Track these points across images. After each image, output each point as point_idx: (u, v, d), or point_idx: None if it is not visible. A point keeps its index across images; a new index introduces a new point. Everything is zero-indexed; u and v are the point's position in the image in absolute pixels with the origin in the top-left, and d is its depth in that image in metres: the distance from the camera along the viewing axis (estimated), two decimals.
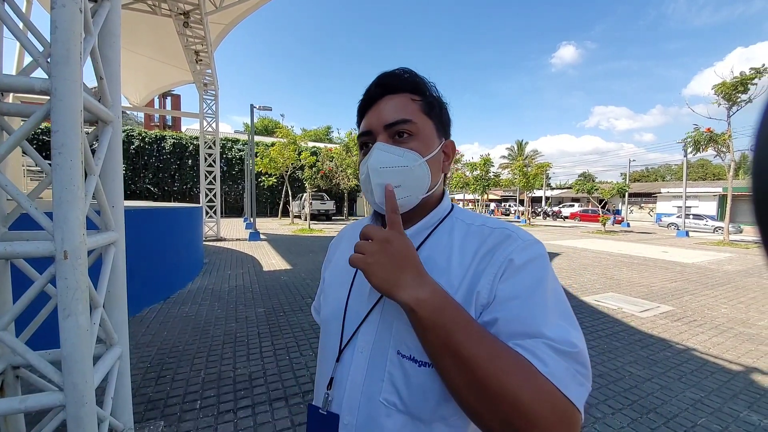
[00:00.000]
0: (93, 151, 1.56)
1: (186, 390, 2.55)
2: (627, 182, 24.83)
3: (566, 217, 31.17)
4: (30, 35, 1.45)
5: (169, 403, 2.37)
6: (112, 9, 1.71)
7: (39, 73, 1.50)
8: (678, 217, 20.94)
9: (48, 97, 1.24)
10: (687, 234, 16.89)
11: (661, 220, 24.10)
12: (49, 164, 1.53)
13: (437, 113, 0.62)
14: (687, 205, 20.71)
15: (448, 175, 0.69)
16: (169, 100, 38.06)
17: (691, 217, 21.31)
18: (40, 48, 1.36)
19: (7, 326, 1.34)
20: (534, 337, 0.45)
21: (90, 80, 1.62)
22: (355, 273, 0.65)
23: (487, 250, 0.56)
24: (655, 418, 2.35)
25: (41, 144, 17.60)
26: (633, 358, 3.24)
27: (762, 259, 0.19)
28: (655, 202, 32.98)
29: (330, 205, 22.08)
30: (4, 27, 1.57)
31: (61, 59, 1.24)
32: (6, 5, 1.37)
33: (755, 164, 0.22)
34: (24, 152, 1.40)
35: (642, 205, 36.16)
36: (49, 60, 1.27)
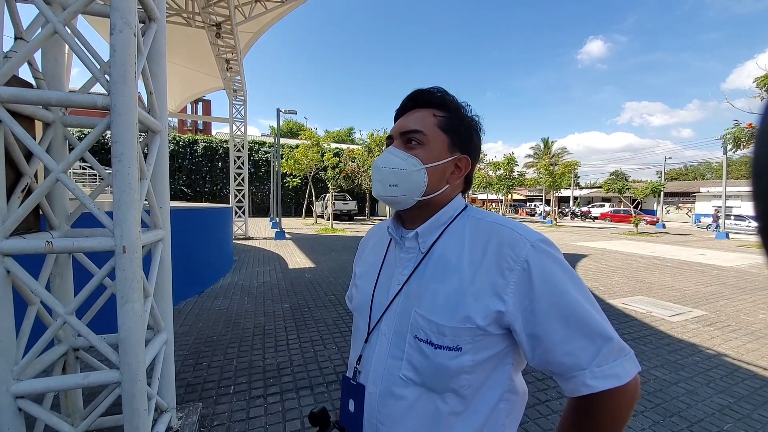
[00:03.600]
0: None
1: (220, 376, 2.75)
2: (662, 180, 23.61)
3: (596, 218, 30.04)
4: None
5: (205, 387, 2.58)
6: (158, 30, 1.90)
7: (95, 88, 1.71)
8: (753, 218, 19.70)
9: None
10: (727, 236, 15.91)
11: (699, 221, 22.80)
12: (107, 171, 1.74)
13: (456, 130, 0.69)
14: (728, 205, 19.49)
15: (456, 185, 0.74)
16: (200, 105, 39.72)
17: (732, 218, 20.03)
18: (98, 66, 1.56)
19: (73, 312, 1.54)
20: (581, 369, 0.57)
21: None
22: (380, 270, 0.75)
23: (496, 246, 0.62)
24: (678, 422, 2.32)
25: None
26: (659, 362, 3.17)
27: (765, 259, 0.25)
28: (693, 202, 31.18)
29: (352, 206, 22.37)
30: (69, 49, 1.80)
31: (119, 78, 1.42)
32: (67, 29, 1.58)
33: (755, 164, 0.22)
34: (83, 159, 1.60)
35: (679, 205, 34.26)
36: (107, 77, 1.46)
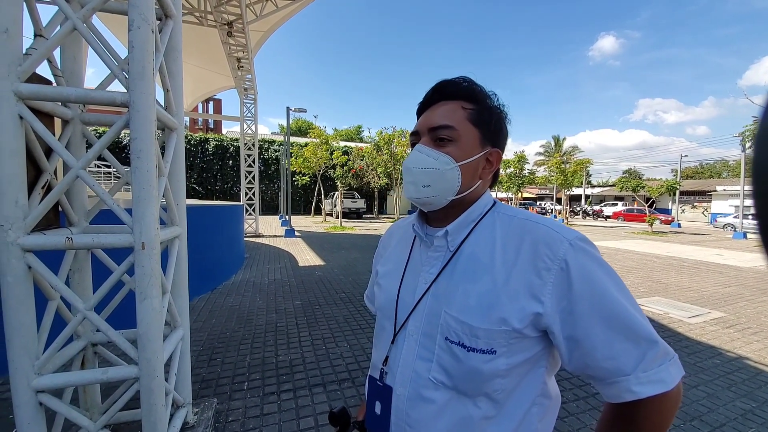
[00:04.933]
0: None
1: (234, 372, 2.77)
2: (678, 179, 23.07)
3: (608, 217, 29.54)
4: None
5: (220, 384, 2.60)
6: (174, 27, 1.91)
7: (111, 87, 1.72)
8: (735, 217, 19.24)
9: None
10: (745, 236, 15.49)
11: (716, 221, 22.25)
12: (126, 169, 1.75)
13: (486, 123, 0.65)
14: (746, 204, 18.96)
15: (487, 180, 0.70)
16: (211, 104, 40.16)
17: (750, 217, 19.48)
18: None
19: (92, 308, 1.56)
20: (624, 375, 0.54)
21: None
22: (405, 268, 0.72)
23: (531, 245, 0.59)
24: (699, 426, 2.25)
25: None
26: None
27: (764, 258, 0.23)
28: (709, 201, 30.46)
29: (361, 203, 22.39)
30: (89, 47, 1.82)
31: (137, 75, 1.42)
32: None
33: (755, 164, 0.22)
34: (99, 157, 1.60)
35: (695, 204, 33.50)
36: (125, 74, 1.47)
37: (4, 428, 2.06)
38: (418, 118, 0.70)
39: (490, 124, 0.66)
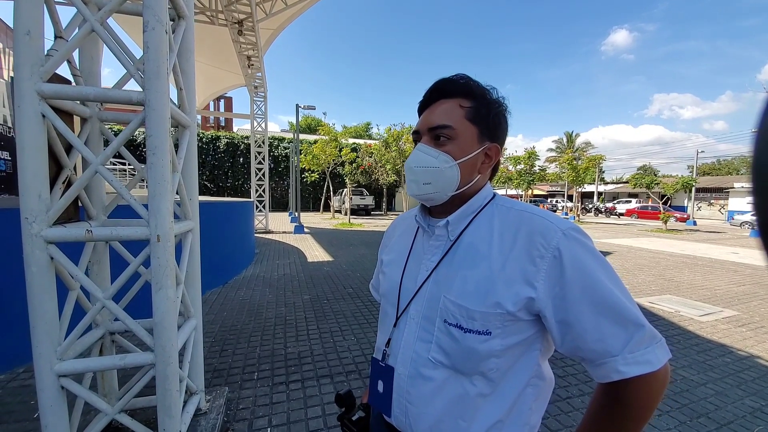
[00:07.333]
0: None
1: (245, 363, 2.86)
2: (694, 175, 22.49)
3: (621, 214, 29.01)
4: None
5: (231, 373, 2.68)
6: (187, 28, 1.96)
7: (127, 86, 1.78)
8: (753, 214, 18.71)
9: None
10: None
11: (733, 218, 21.68)
12: (142, 166, 1.81)
13: (484, 119, 0.68)
14: None
15: (486, 173, 0.73)
16: (222, 102, 40.59)
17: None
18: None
19: (110, 297, 1.63)
20: (612, 356, 0.58)
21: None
22: (408, 257, 0.77)
23: (527, 234, 0.63)
24: (706, 423, 2.24)
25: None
26: (687, 362, 3.07)
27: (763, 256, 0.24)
28: (726, 198, 29.68)
29: (369, 200, 22.43)
30: (105, 47, 1.88)
31: (152, 75, 1.48)
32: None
33: (755, 163, 0.22)
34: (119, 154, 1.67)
35: (712, 201, 32.68)
36: (140, 73, 1.53)
37: (28, 412, 2.16)
38: (419, 117, 0.73)
39: (488, 120, 0.68)
